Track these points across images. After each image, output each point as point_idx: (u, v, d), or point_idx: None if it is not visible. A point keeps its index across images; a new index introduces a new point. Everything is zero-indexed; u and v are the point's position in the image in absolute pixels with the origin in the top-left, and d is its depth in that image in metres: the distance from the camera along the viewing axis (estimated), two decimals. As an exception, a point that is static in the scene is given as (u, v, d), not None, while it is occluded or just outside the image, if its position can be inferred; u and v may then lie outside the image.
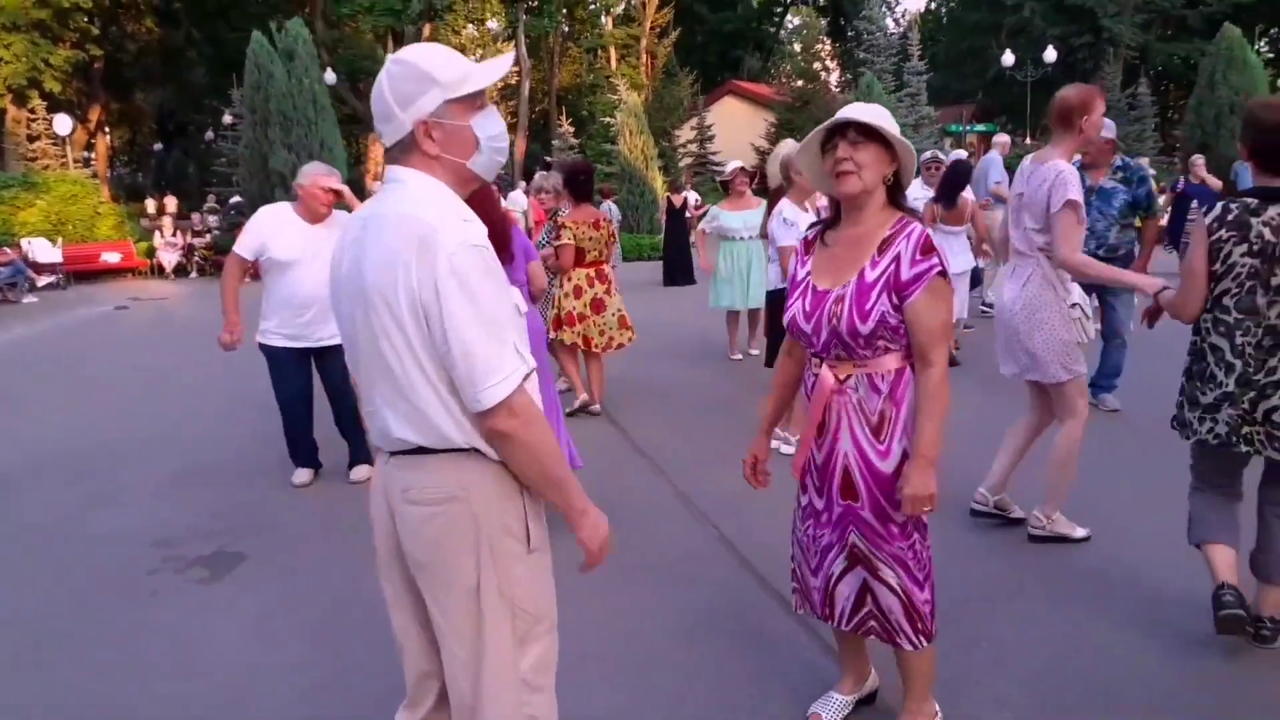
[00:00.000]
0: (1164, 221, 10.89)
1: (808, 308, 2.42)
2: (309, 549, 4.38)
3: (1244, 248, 2.86)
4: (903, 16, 29.93)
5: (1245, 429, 2.91)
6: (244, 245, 4.88)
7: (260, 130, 17.75)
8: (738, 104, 34.00)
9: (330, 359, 5.02)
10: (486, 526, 1.83)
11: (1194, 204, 11.16)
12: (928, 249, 2.28)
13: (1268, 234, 2.82)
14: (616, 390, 7.19)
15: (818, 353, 2.44)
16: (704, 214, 10.37)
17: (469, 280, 1.68)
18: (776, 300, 5.38)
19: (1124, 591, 3.53)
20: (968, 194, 7.87)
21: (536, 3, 33.16)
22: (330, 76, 19.19)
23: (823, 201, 8.38)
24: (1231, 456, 3.05)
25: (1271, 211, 2.82)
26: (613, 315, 6.73)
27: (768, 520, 4.40)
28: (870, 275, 2.32)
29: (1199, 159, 11.78)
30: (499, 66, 1.88)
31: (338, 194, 4.93)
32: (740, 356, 8.54)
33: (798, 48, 53.18)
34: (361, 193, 25.48)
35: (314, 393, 5.19)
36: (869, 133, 2.31)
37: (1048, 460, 3.99)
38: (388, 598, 2.01)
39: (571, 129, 27.43)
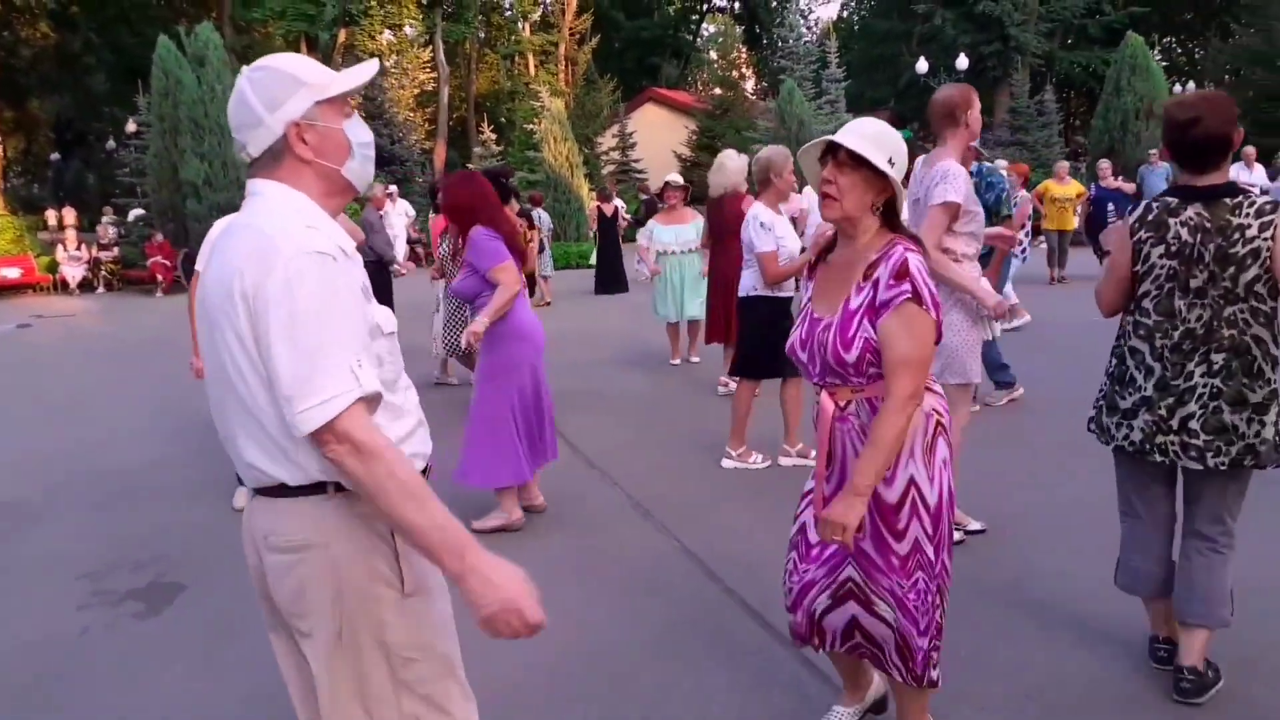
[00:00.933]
0: (1077, 224, 11.20)
1: (804, 336, 2.37)
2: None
3: (1161, 249, 2.74)
4: (815, 24, 30.29)
5: (1159, 437, 2.76)
6: (203, 260, 4.66)
7: (170, 139, 17.15)
8: (658, 111, 34.06)
9: None
10: (350, 574, 1.67)
11: (1110, 207, 11.54)
12: (901, 274, 2.19)
13: (1185, 234, 2.69)
14: (558, 400, 7.06)
15: (816, 380, 2.39)
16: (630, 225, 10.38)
17: (299, 290, 1.53)
18: (747, 307, 5.31)
19: (1086, 600, 3.56)
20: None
21: (453, 8, 32.77)
22: (242, 83, 18.64)
23: (797, 204, 8.42)
24: (1154, 475, 2.92)
25: (1189, 211, 2.69)
26: None
27: (728, 530, 4.40)
28: (854, 302, 2.26)
29: (1105, 164, 12.14)
30: (364, 71, 1.77)
31: None
32: (679, 362, 8.59)
33: (714, 55, 53.97)
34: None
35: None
36: (858, 157, 2.22)
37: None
38: (271, 640, 1.87)
39: (494, 135, 27.13)
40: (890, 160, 2.23)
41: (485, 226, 4.33)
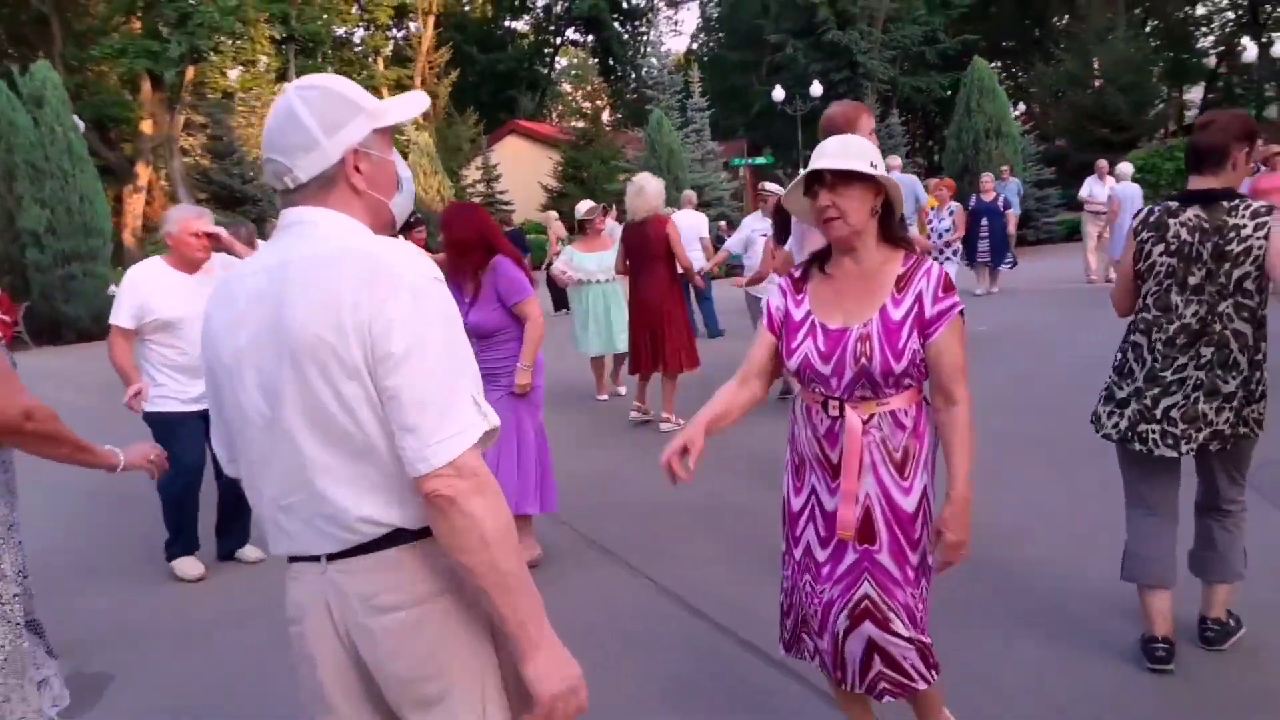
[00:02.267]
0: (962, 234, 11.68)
1: (823, 348, 2.29)
2: (192, 651, 3.78)
3: (1161, 247, 2.92)
4: (666, 56, 30.88)
5: (1141, 426, 2.93)
6: (122, 313, 4.34)
7: (4, 185, 15.89)
8: (521, 143, 33.94)
9: None
10: (474, 621, 1.57)
11: (983, 220, 12.12)
12: (948, 287, 2.26)
13: (1184, 234, 2.88)
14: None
15: (837, 395, 2.30)
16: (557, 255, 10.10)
17: (431, 316, 1.45)
18: None
19: (1069, 603, 3.60)
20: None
21: (307, 44, 31.84)
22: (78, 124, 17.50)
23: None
24: (1155, 466, 3.03)
25: (1189, 213, 2.88)
26: None
27: (701, 563, 4.26)
28: (895, 313, 2.25)
29: (987, 177, 12.82)
30: (417, 102, 1.66)
31: (212, 237, 4.46)
32: (606, 397, 8.34)
33: (569, 88, 54.39)
34: (121, 252, 23.43)
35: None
36: (847, 173, 2.23)
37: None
38: None
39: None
40: (871, 164, 2.24)
41: (506, 256, 4.14)
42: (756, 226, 8.42)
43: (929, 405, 2.33)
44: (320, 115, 1.50)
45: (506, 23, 47.88)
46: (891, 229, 2.34)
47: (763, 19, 33.63)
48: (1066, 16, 34.36)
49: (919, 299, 2.24)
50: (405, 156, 24.00)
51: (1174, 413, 2.88)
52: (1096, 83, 27.79)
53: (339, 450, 1.46)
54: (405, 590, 1.50)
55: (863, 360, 2.23)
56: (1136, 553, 3.09)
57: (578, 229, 8.48)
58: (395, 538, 1.50)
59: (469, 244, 4.20)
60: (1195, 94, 38.89)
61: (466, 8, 45.74)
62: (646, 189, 6.94)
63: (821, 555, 2.38)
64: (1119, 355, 3.10)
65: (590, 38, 47.27)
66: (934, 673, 2.37)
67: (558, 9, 46.52)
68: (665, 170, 20.28)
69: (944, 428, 2.28)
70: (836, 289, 2.35)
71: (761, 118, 34.17)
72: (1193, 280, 2.87)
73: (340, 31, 36.70)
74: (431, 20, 37.25)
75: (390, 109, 1.59)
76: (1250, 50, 25.94)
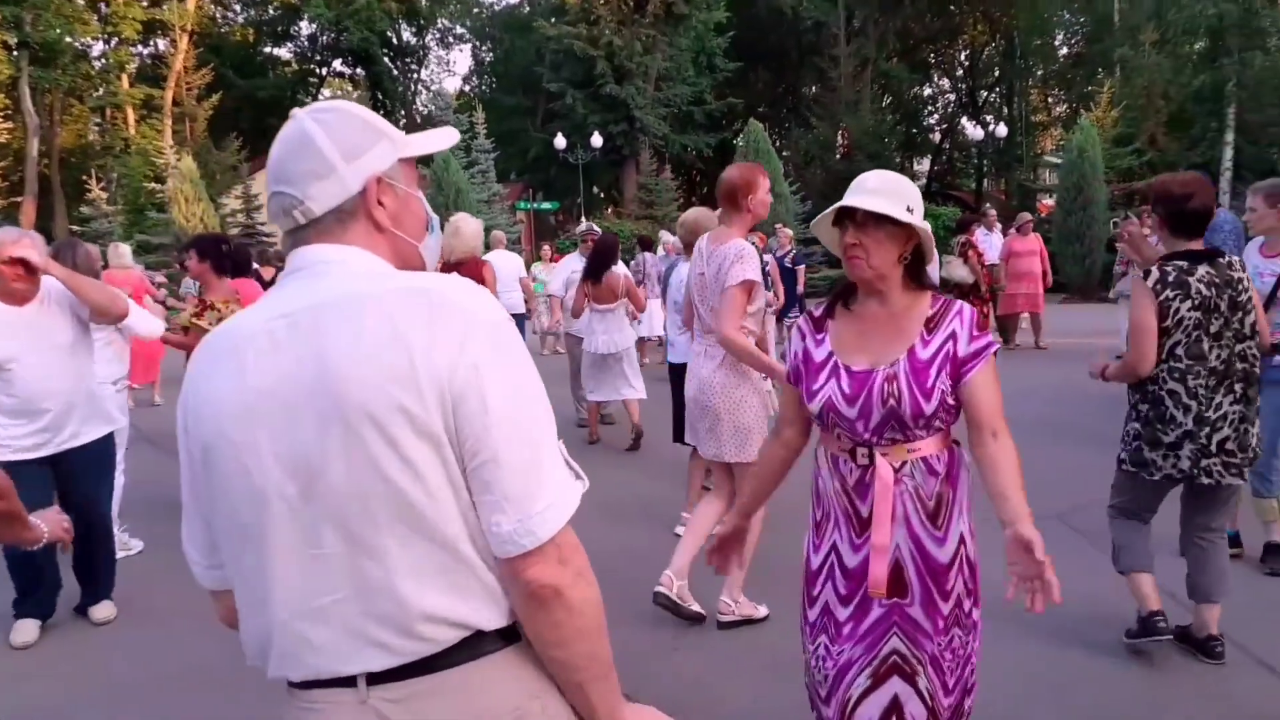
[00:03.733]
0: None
1: (848, 390, 2.24)
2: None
3: (1189, 303, 3.28)
4: (437, 96, 30.71)
5: (1204, 461, 3.34)
6: None
7: None
8: (287, 174, 32.38)
9: (76, 464, 4.00)
10: None
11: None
12: (982, 326, 2.26)
13: (1204, 289, 3.28)
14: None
15: (864, 439, 2.24)
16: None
17: (517, 360, 1.25)
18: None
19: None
20: (619, 270, 8.03)
21: (44, 53, 28.86)
22: None
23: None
24: (1159, 489, 3.53)
25: (1202, 270, 3.30)
26: None
27: (690, 680, 3.98)
28: (923, 354, 2.21)
29: (788, 233, 13.57)
30: (446, 136, 1.47)
31: (26, 264, 3.76)
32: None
33: (333, 120, 52.29)
34: None
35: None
36: (874, 215, 2.20)
37: (691, 530, 4.10)
38: None
39: (103, 194, 24.10)
40: (909, 208, 2.22)
41: None
42: (577, 267, 8.50)
43: (959, 448, 2.32)
44: (338, 139, 1.30)
45: (268, 49, 45.72)
46: (921, 274, 2.32)
47: (539, 66, 34.18)
48: (816, 87, 37.30)
49: (952, 338, 2.22)
50: (163, 181, 22.28)
51: (1230, 444, 3.33)
52: (842, 150, 30.45)
53: (401, 530, 1.20)
54: (491, 713, 1.25)
55: (890, 402, 2.18)
56: (1129, 546, 3.60)
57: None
58: (469, 647, 1.23)
59: None
60: (923, 166, 43.34)
61: (224, 29, 43.27)
62: (463, 229, 6.78)
63: (842, 614, 2.32)
64: (1147, 407, 3.44)
65: (359, 71, 45.99)
66: None
67: (324, 39, 44.99)
68: (453, 208, 20.02)
69: (993, 462, 2.17)
70: (861, 330, 2.31)
71: (538, 162, 34.60)
72: (1214, 329, 3.31)
73: (81, 42, 33.60)
74: (186, 38, 34.90)
75: (416, 138, 1.41)
76: (973, 130, 29.41)
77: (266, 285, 13.50)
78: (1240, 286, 3.33)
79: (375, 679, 1.22)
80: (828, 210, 2.33)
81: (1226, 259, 3.35)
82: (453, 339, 1.19)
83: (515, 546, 1.20)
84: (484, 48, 48.06)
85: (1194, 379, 3.34)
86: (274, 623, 1.25)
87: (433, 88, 47.88)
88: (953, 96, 43.76)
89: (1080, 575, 4.60)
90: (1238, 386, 3.36)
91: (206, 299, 5.46)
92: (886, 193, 2.22)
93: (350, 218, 1.32)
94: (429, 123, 27.70)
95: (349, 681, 1.23)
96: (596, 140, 26.77)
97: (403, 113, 47.41)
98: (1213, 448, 3.35)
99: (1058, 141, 36.28)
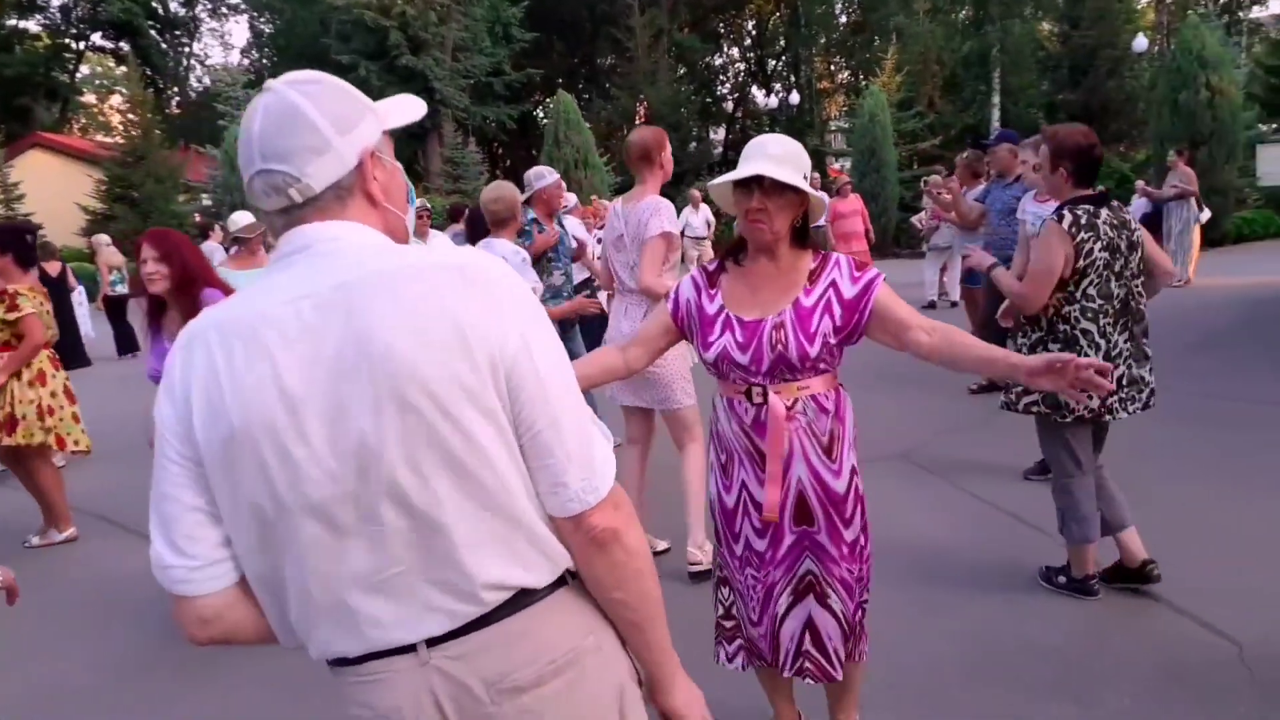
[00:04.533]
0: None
1: (740, 339, 2.40)
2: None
3: (1099, 244, 3.45)
4: (222, 70, 28.80)
5: (1110, 399, 3.49)
6: None
7: None
8: (48, 158, 29.33)
9: None
10: (623, 674, 1.40)
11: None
12: (860, 266, 2.44)
13: (1109, 231, 3.48)
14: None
15: (758, 379, 2.41)
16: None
17: (550, 330, 1.30)
18: None
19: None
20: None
21: None
22: None
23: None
24: (1089, 434, 3.67)
25: (1105, 213, 3.50)
26: (70, 409, 5.47)
27: None
28: (807, 302, 2.39)
29: (604, 203, 13.64)
30: (417, 104, 1.46)
31: None
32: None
33: (94, 99, 48.06)
34: None
35: None
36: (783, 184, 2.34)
37: (690, 493, 4.20)
38: None
39: None
40: (805, 176, 2.38)
41: (212, 288, 3.64)
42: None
43: (844, 390, 2.49)
44: (328, 112, 1.26)
45: (12, 21, 41.23)
46: (805, 233, 2.49)
47: (326, 38, 32.61)
48: (613, 57, 37.57)
49: (833, 285, 2.40)
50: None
51: (1123, 380, 3.51)
52: (641, 120, 30.88)
53: (462, 501, 1.21)
54: (547, 655, 1.29)
55: (779, 347, 2.35)
56: (1086, 517, 3.66)
57: (231, 245, 7.70)
58: (516, 602, 1.27)
59: (188, 276, 3.75)
60: (719, 134, 44.56)
61: (-44, 0, 38.68)
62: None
63: (761, 545, 2.49)
64: (1063, 346, 3.49)
65: (123, 45, 42.25)
66: (858, 659, 2.57)
67: (78, 10, 41.04)
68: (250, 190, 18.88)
69: (950, 341, 2.37)
70: (752, 285, 2.47)
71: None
72: (1117, 267, 3.50)
73: None
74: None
75: (391, 110, 1.39)
76: (763, 99, 30.49)
77: (50, 281, 12.38)
78: (1132, 227, 3.57)
79: (433, 641, 1.25)
80: (733, 175, 2.41)
81: (1116, 203, 3.62)
82: (496, 311, 1.22)
83: (581, 504, 1.26)
84: (262, 19, 45.24)
85: (1104, 318, 3.51)
86: (324, 603, 1.24)
87: (208, 61, 44.85)
88: (742, 66, 45.12)
89: (930, 509, 4.98)
90: (1132, 325, 3.57)
91: (11, 289, 5.12)
92: (790, 161, 2.36)
93: (348, 194, 1.29)
94: (213, 100, 25.78)
95: (408, 648, 1.25)
96: (397, 113, 25.75)
97: (174, 90, 44.13)
98: (1121, 383, 3.54)
99: (841, 108, 38.24)
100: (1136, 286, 3.60)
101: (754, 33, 43.94)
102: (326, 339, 1.19)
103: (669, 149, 4.20)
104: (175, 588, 1.28)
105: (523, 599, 1.27)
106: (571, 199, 8.39)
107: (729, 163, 36.74)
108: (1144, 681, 3.15)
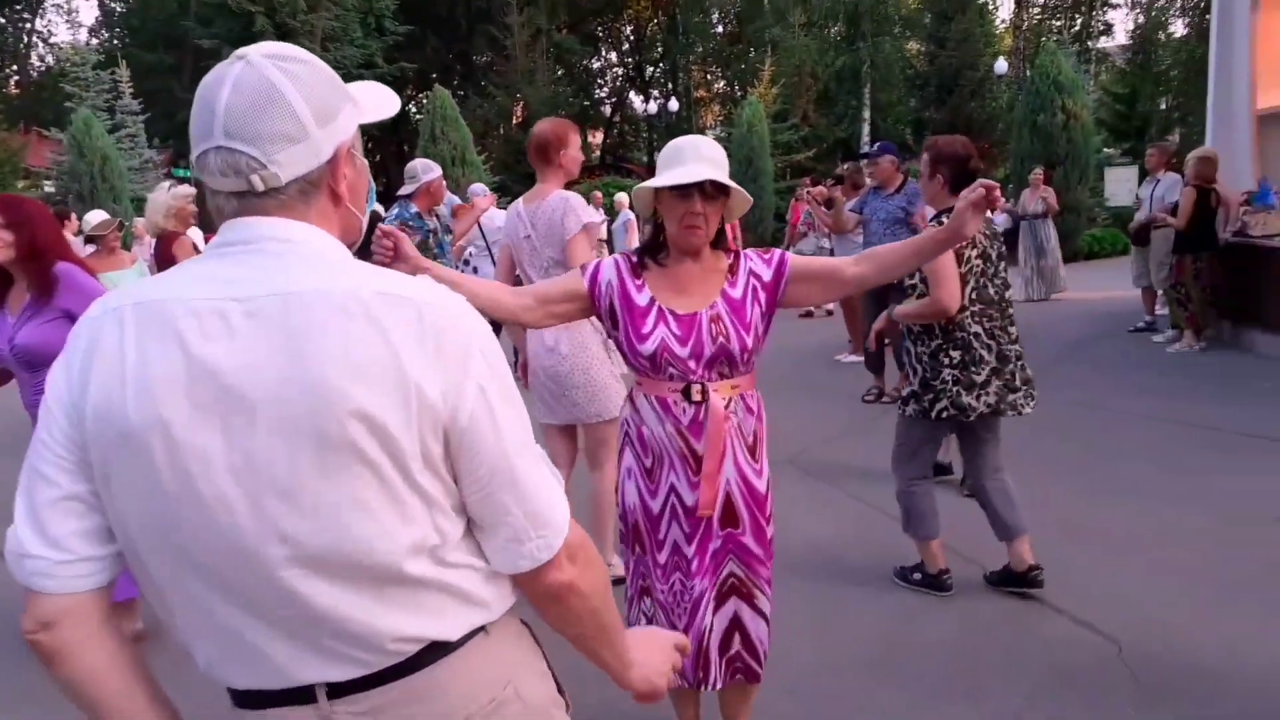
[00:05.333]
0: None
1: (678, 331, 2.35)
2: None
3: (975, 250, 3.61)
4: (71, 49, 27.01)
5: (1010, 396, 3.65)
6: None
7: None
8: None
9: None
10: (539, 707, 1.31)
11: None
12: (764, 250, 2.52)
13: (981, 239, 3.64)
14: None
15: (697, 378, 2.36)
16: None
17: (505, 372, 1.20)
18: None
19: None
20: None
21: None
22: None
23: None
24: (941, 434, 3.84)
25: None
26: None
27: None
28: (735, 294, 2.41)
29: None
30: (391, 96, 1.35)
31: None
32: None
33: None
34: None
35: None
36: (720, 187, 2.35)
37: (599, 507, 4.03)
38: None
39: None
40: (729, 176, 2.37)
41: (69, 264, 3.34)
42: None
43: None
44: (311, 98, 1.14)
45: None
46: (722, 235, 2.50)
47: (185, 20, 31.04)
48: (490, 55, 37.08)
49: (752, 274, 2.44)
50: None
51: (1017, 380, 3.68)
52: (518, 119, 30.58)
53: (372, 554, 1.11)
54: (462, 710, 1.19)
55: (720, 339, 2.34)
56: (929, 512, 3.85)
57: (85, 244, 7.10)
58: (428, 654, 1.17)
59: (39, 248, 3.42)
60: (597, 138, 44.58)
61: None
62: (158, 202, 6.18)
63: (690, 550, 2.44)
64: (959, 353, 3.63)
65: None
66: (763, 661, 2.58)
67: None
68: (100, 179, 17.74)
69: (876, 265, 2.42)
70: (678, 284, 2.43)
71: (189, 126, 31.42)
72: (990, 272, 3.66)
73: None
74: None
75: (368, 101, 1.29)
76: (640, 104, 30.56)
77: None
78: (1000, 239, 3.80)
79: (336, 691, 1.14)
80: (677, 179, 2.31)
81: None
82: (453, 359, 1.12)
83: (533, 561, 1.19)
84: (113, -3, 42.73)
85: (989, 321, 3.68)
86: (208, 625, 1.13)
87: (52, 39, 42.03)
88: (621, 71, 45.28)
89: (818, 514, 5.02)
90: (1011, 328, 3.75)
91: None
92: (722, 165, 2.36)
93: (313, 189, 1.18)
94: (58, 80, 24.13)
95: (306, 695, 1.14)
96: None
97: (14, 69, 41.18)
98: (1017, 382, 3.71)
99: (718, 117, 38.84)
100: (1008, 294, 3.78)
101: (632, 38, 44.18)
102: (253, 351, 1.07)
103: (575, 145, 3.93)
104: (33, 580, 1.12)
105: (435, 651, 1.17)
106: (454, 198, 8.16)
107: (607, 166, 36.83)
108: (1034, 681, 3.21)
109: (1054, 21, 37.71)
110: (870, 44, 27.72)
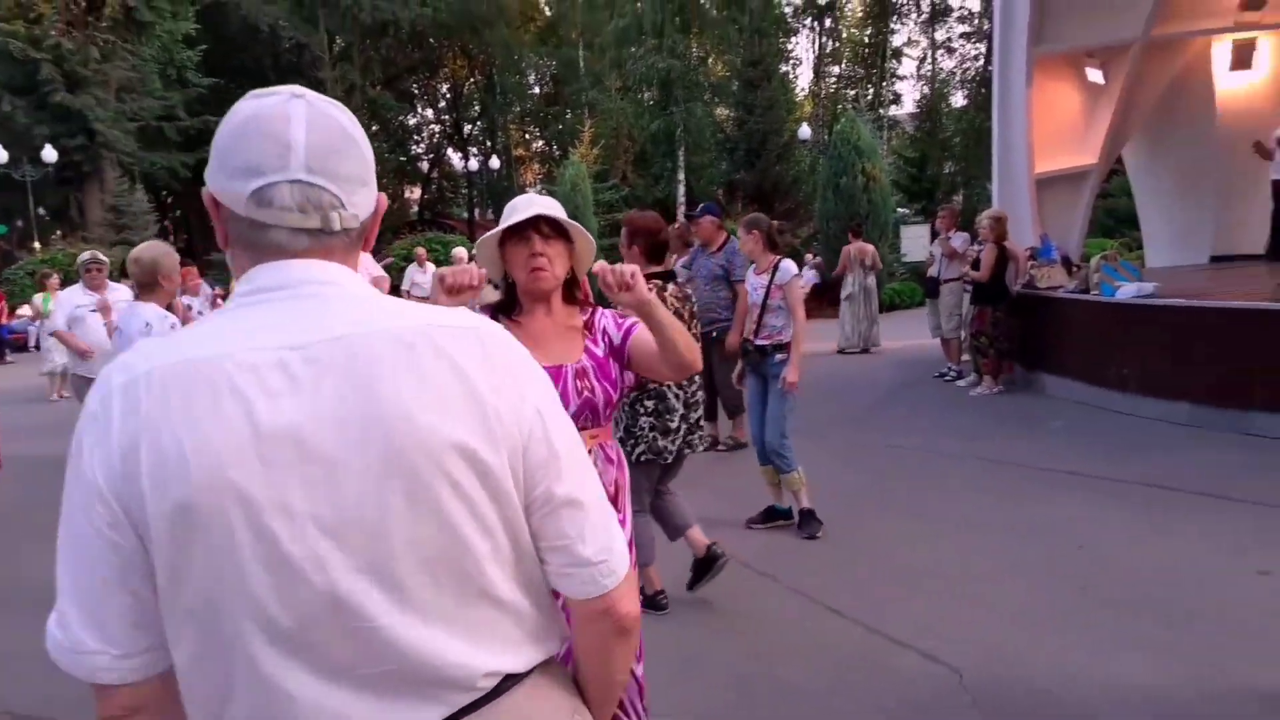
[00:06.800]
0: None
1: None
2: None
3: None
4: None
5: (690, 436, 4.19)
6: None
7: None
8: None
9: None
10: None
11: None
12: (621, 317, 2.53)
13: (675, 302, 4.03)
14: None
15: None
16: None
17: (558, 400, 1.23)
18: None
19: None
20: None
21: None
22: None
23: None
24: (639, 478, 4.06)
25: (672, 287, 4.12)
26: None
27: None
28: (599, 351, 2.47)
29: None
30: None
31: None
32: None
33: None
34: None
35: None
36: (557, 228, 2.40)
37: None
38: None
39: None
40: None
41: None
42: (81, 302, 7.36)
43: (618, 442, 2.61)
44: (368, 149, 1.16)
45: None
46: (574, 288, 2.52)
47: (-40, 65, 28.68)
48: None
49: (604, 332, 2.49)
50: None
51: (699, 422, 4.26)
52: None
53: (463, 590, 1.09)
54: None
55: (585, 394, 2.40)
56: (648, 544, 4.14)
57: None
58: (504, 685, 1.14)
59: None
60: (415, 194, 44.08)
61: None
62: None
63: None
64: (654, 402, 4.07)
65: None
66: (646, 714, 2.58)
67: None
68: None
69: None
70: (533, 337, 2.38)
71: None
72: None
73: None
74: None
75: None
76: (459, 161, 30.50)
77: None
78: (691, 300, 4.32)
79: None
80: (512, 219, 2.35)
81: (680, 280, 4.21)
82: (513, 382, 1.13)
83: (598, 587, 1.18)
84: None
85: None
86: (284, 706, 1.03)
87: None
88: (438, 128, 45.10)
89: (663, 562, 5.05)
90: (695, 377, 4.16)
91: None
92: (556, 209, 2.40)
93: (358, 236, 1.18)
94: None
95: None
96: (49, 154, 23.07)
97: None
98: (696, 425, 4.29)
99: (538, 175, 39.27)
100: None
101: (449, 96, 44.15)
102: (322, 399, 1.03)
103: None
104: (97, 676, 1.05)
105: (509, 682, 1.14)
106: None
107: (426, 222, 36.40)
108: (887, 715, 3.33)
109: (849, 90, 40.55)
110: (683, 109, 28.88)
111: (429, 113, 45.08)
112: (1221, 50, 10.93)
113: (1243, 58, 10.77)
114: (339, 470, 1.02)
